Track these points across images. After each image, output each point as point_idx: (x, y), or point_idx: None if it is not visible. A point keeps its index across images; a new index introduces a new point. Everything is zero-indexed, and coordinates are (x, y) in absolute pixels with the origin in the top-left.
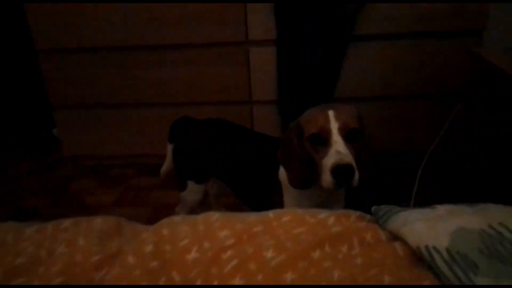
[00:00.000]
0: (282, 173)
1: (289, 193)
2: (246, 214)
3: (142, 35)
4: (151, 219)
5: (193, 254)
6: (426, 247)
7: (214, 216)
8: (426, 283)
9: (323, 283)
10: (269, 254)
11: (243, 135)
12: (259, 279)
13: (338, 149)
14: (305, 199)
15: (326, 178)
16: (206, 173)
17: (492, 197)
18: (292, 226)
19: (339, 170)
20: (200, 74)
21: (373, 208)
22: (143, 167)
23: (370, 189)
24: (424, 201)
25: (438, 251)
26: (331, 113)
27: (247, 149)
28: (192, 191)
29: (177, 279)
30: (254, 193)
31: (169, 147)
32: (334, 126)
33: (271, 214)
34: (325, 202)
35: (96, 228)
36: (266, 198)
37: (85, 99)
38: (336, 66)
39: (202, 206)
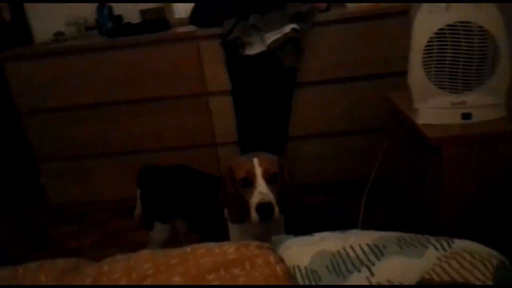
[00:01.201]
0: (226, 211)
1: (232, 228)
2: (171, 250)
3: (113, 92)
4: None
5: (122, 283)
6: (294, 266)
7: (144, 253)
8: None
9: None
10: (176, 279)
11: (198, 178)
12: None
13: (261, 190)
14: (246, 232)
15: (253, 214)
16: (169, 214)
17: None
18: (201, 257)
19: (262, 207)
20: (167, 123)
21: (272, 238)
22: (119, 211)
23: (317, 218)
24: (373, 224)
25: (299, 269)
26: (255, 161)
27: (200, 191)
28: (159, 231)
29: None
30: (206, 229)
31: (138, 192)
32: (258, 171)
33: (188, 248)
34: (263, 234)
35: (57, 268)
36: (216, 233)
37: (65, 151)
38: (285, 110)
39: (172, 243)
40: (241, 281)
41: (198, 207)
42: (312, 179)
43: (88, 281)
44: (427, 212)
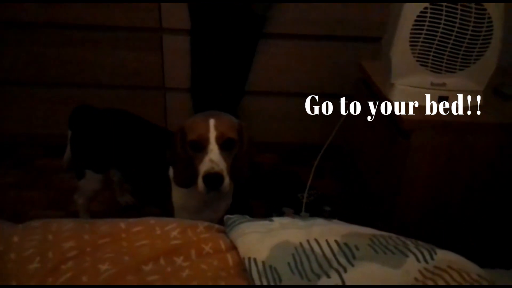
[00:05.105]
0: (172, 171)
1: (176, 191)
2: (101, 222)
3: (57, 12)
4: (53, 204)
5: (35, 265)
6: (249, 258)
7: (67, 226)
8: None
9: None
10: (104, 267)
11: (142, 128)
12: None
13: (212, 157)
14: (191, 197)
15: (199, 183)
16: (104, 163)
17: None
18: (137, 239)
19: (210, 178)
20: (113, 56)
21: (224, 218)
22: (49, 148)
23: (265, 182)
24: (319, 190)
25: (256, 263)
26: (211, 122)
27: (143, 144)
28: (90, 181)
29: None
30: (146, 187)
31: (69, 134)
32: (212, 135)
33: (122, 224)
34: (210, 200)
35: None
36: (157, 193)
37: None
38: (247, 61)
39: (106, 191)
40: (184, 275)
41: (139, 161)
42: (263, 138)
43: None
44: (386, 192)
